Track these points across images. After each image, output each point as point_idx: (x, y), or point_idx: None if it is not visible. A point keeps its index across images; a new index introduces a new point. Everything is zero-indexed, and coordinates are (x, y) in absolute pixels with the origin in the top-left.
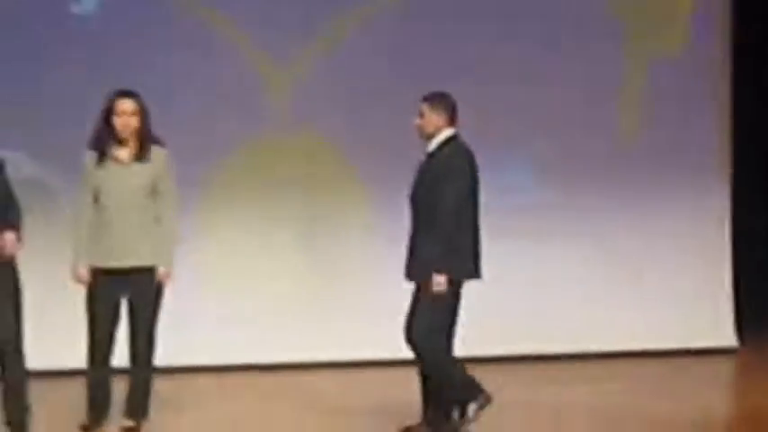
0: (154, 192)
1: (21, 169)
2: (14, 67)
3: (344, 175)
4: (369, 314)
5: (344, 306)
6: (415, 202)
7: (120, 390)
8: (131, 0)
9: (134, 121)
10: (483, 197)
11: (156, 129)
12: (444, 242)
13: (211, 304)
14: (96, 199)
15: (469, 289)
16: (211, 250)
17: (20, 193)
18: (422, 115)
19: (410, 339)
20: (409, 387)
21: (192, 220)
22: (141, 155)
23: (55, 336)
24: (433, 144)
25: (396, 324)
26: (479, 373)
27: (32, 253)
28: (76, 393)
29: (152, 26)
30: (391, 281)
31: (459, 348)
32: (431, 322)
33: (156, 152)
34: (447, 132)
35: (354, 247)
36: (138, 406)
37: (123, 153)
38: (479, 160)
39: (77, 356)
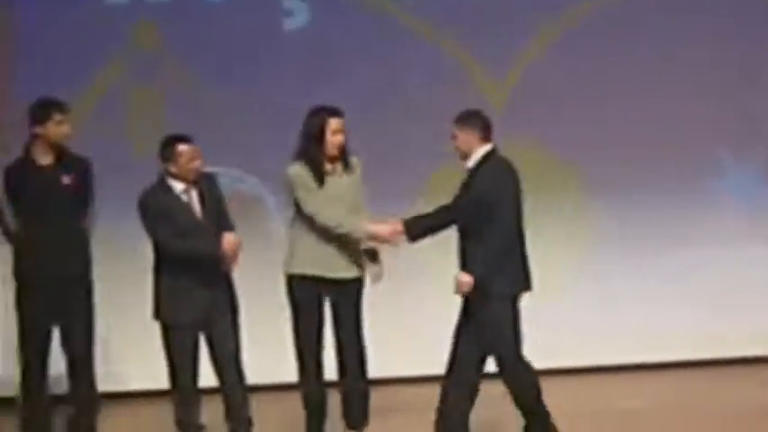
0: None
1: (236, 186)
2: (229, 86)
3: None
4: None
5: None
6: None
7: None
8: (342, 13)
9: (344, 138)
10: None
11: (364, 140)
12: (495, 257)
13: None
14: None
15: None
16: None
17: (236, 210)
18: (454, 137)
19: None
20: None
21: None
22: (347, 167)
23: (271, 350)
24: (472, 162)
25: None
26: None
27: (247, 269)
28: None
29: (363, 38)
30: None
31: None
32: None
33: (355, 162)
34: (483, 149)
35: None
36: (359, 414)
37: (333, 168)
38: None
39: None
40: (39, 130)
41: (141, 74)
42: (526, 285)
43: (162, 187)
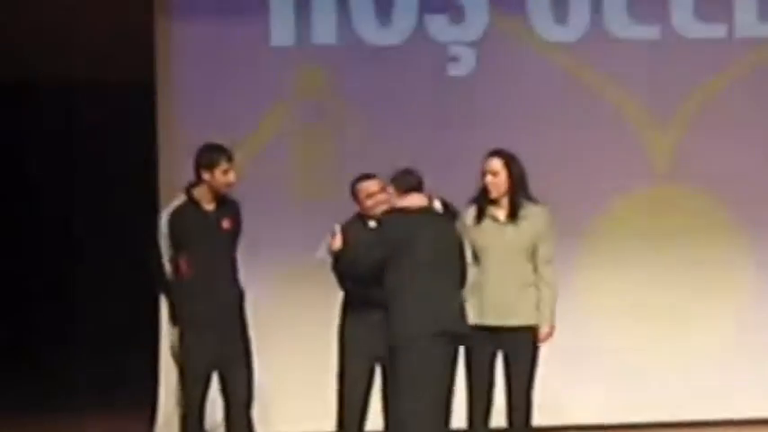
0: (533, 250)
1: None
2: (396, 130)
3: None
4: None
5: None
6: None
7: None
8: (508, 60)
9: (497, 181)
10: None
11: (538, 184)
12: None
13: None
14: (475, 257)
15: None
16: (589, 306)
17: None
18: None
19: None
20: None
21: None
22: (514, 214)
23: None
24: None
25: None
26: None
27: None
28: None
29: (526, 84)
30: None
31: None
32: None
33: (535, 211)
34: None
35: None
36: None
37: (500, 212)
38: None
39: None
40: (205, 176)
41: (307, 118)
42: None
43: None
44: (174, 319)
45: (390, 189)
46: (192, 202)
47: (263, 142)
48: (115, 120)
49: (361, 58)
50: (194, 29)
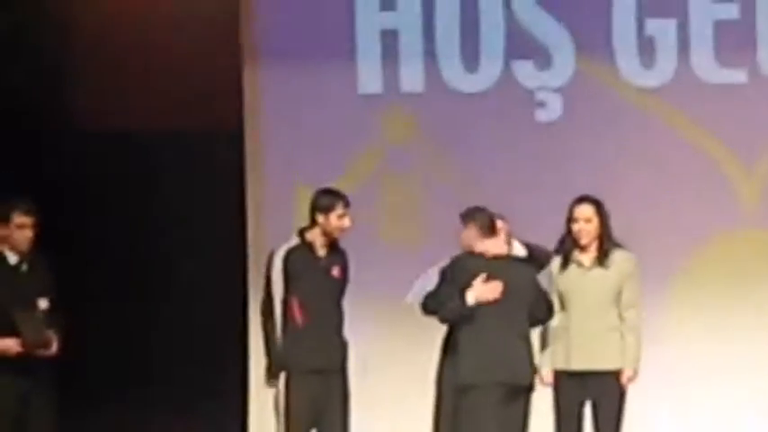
0: (618, 295)
1: None
2: (483, 176)
3: None
4: None
5: None
6: None
7: None
8: (596, 105)
9: (590, 227)
10: None
11: (625, 229)
12: None
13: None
14: (561, 304)
15: None
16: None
17: None
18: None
19: None
20: None
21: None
22: (602, 259)
23: None
24: None
25: None
26: None
27: None
28: None
29: (613, 129)
30: None
31: None
32: None
33: (621, 256)
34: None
35: None
36: None
37: (585, 258)
38: None
39: None
40: (321, 219)
41: (396, 164)
42: None
43: None
44: (273, 369)
45: (472, 229)
46: (305, 245)
47: (350, 189)
48: (203, 169)
49: (449, 104)
50: (282, 76)
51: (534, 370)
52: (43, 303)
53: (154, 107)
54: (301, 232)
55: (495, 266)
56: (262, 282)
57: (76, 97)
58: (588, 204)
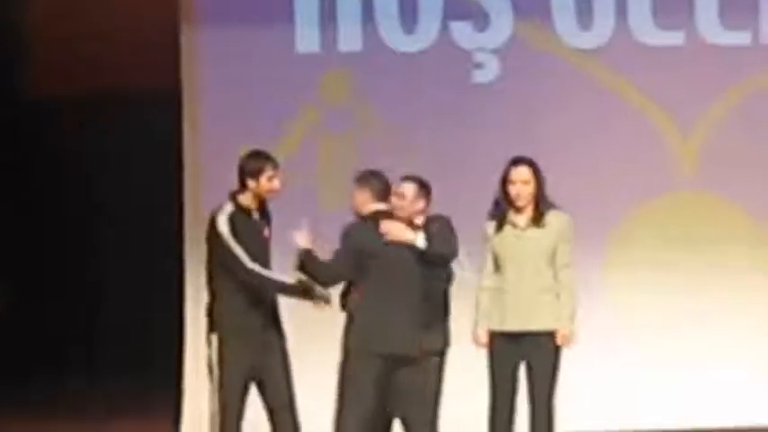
0: (553, 256)
1: None
2: (420, 137)
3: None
4: None
5: None
6: None
7: None
8: (533, 65)
9: (528, 189)
10: None
11: (563, 192)
12: None
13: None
14: (496, 265)
15: None
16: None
17: None
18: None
19: None
20: None
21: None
22: (538, 220)
23: None
24: None
25: None
26: None
27: None
28: None
29: (550, 90)
30: None
31: None
32: None
33: (556, 216)
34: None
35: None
36: None
37: (521, 219)
38: None
39: None
40: (251, 183)
41: (332, 124)
42: None
43: None
44: (213, 326)
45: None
46: (243, 210)
47: (291, 147)
48: (140, 130)
49: (387, 63)
50: (220, 35)
51: (420, 340)
52: None
53: (86, 70)
54: (234, 196)
55: (387, 251)
56: (199, 245)
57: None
58: (525, 166)
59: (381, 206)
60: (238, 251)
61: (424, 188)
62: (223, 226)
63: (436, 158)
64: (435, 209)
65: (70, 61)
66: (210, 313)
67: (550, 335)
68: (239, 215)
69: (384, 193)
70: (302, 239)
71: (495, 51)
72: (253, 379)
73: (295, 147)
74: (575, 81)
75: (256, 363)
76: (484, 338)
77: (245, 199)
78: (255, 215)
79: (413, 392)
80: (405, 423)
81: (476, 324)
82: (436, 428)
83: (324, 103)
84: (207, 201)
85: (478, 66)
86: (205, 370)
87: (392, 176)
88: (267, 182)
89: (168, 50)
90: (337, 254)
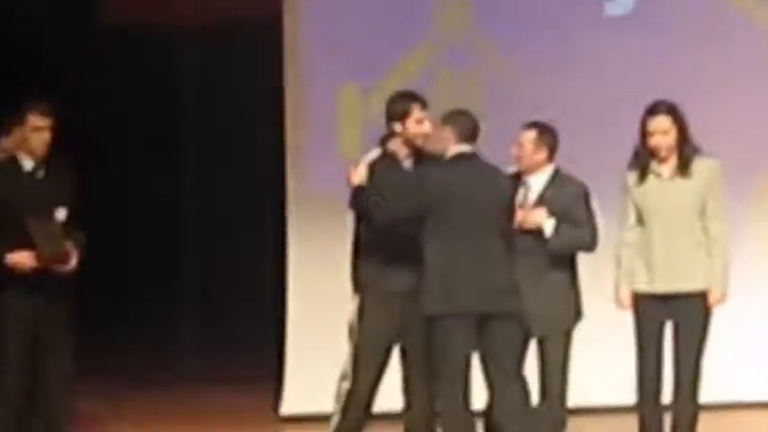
0: (703, 208)
1: None
2: (548, 75)
3: None
4: None
5: None
6: None
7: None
8: None
9: (668, 139)
10: None
11: (703, 136)
12: None
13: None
14: (639, 219)
15: None
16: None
17: None
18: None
19: None
20: None
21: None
22: (683, 169)
23: None
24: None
25: None
26: None
27: None
28: None
29: (691, 25)
30: None
31: None
32: None
33: (703, 163)
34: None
35: None
36: None
37: (665, 168)
38: None
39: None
40: (397, 127)
41: (449, 62)
42: None
43: None
44: (357, 285)
45: (446, 130)
46: (388, 156)
47: (403, 84)
48: (233, 66)
49: None
50: None
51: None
52: (61, 213)
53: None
54: (383, 141)
55: (467, 176)
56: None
57: None
58: (663, 115)
59: (465, 148)
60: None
61: (548, 135)
62: (362, 170)
63: (564, 102)
64: (566, 160)
65: None
66: (355, 271)
67: (702, 295)
68: (384, 161)
69: (471, 133)
70: (356, 177)
71: None
72: (394, 343)
73: (407, 86)
74: (719, 13)
75: (400, 327)
76: (627, 301)
77: (394, 144)
78: (407, 163)
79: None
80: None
81: (617, 284)
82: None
83: (440, 38)
84: (310, 145)
85: None
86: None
87: (513, 120)
88: (416, 125)
89: None
90: (405, 193)
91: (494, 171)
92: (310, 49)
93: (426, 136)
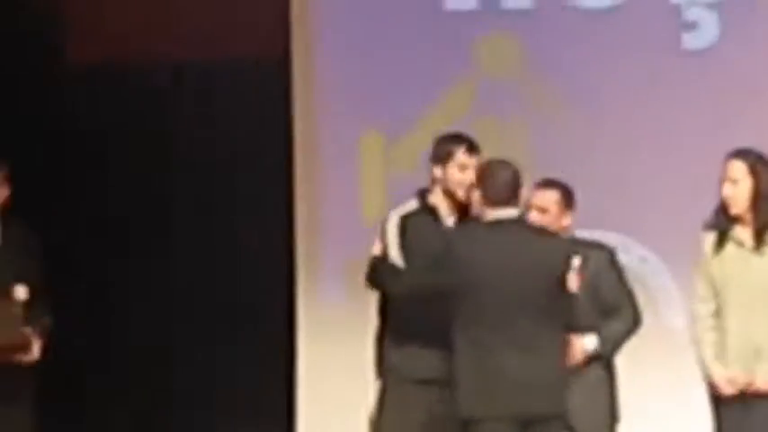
0: None
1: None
2: (609, 120)
3: None
4: None
5: None
6: None
7: None
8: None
9: (741, 191)
10: None
11: None
12: None
13: None
14: (716, 293)
15: None
16: None
17: None
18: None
19: None
20: None
21: None
22: (761, 236)
23: None
24: None
25: None
26: None
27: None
28: None
29: None
30: None
31: None
32: None
33: None
34: None
35: None
36: None
37: (745, 234)
38: None
39: None
40: (438, 172)
41: (496, 101)
42: None
43: None
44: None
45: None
46: (427, 209)
47: (439, 129)
48: (236, 112)
49: (566, 24)
50: None
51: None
52: (21, 291)
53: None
54: (422, 194)
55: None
56: (312, 248)
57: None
58: (739, 161)
59: (502, 213)
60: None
61: (570, 194)
62: (391, 227)
63: (631, 149)
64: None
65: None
66: (379, 354)
67: None
68: (422, 215)
69: (507, 193)
70: (375, 246)
71: (711, 6)
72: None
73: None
74: None
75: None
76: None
77: (435, 197)
78: (449, 220)
79: None
80: None
81: (707, 370)
82: None
83: (482, 77)
84: (324, 204)
85: (690, 26)
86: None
87: (568, 175)
88: (459, 171)
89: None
90: (436, 259)
91: (541, 237)
92: (325, 92)
93: (472, 187)
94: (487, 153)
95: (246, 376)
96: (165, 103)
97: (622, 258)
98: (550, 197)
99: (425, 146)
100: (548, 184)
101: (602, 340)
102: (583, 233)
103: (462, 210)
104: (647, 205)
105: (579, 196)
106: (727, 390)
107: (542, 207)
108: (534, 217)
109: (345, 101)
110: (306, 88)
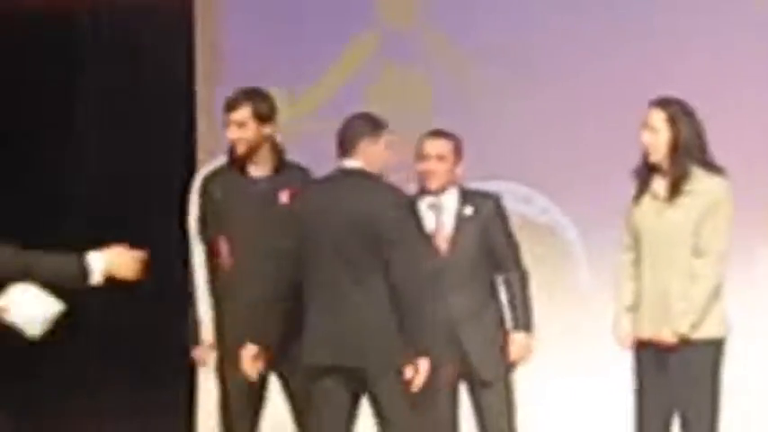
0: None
1: (521, 209)
2: (506, 68)
3: None
4: None
5: None
6: None
7: None
8: None
9: (659, 139)
10: None
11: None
12: None
13: None
14: (635, 246)
15: None
16: None
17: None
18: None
19: None
20: None
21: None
22: (676, 187)
23: None
24: None
25: None
26: None
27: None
28: None
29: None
30: None
31: None
32: None
33: (705, 183)
34: None
35: None
36: None
37: (661, 185)
38: None
39: None
40: (267, 129)
41: (396, 52)
42: None
43: None
44: None
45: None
46: (238, 166)
47: (337, 87)
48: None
49: None
50: None
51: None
52: None
53: None
54: (230, 151)
55: (339, 193)
56: None
57: None
58: (659, 110)
59: (351, 163)
60: None
61: (460, 147)
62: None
63: (529, 98)
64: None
65: None
66: None
67: (712, 344)
68: (232, 176)
69: (343, 143)
70: None
71: None
72: None
73: (345, 82)
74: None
75: None
76: (629, 340)
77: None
78: (262, 171)
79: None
80: None
81: (617, 316)
82: None
83: (380, 28)
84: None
85: None
86: None
87: (469, 132)
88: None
89: None
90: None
91: (369, 188)
92: (227, 46)
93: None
94: (392, 103)
95: None
96: None
97: (525, 209)
98: (446, 146)
99: (329, 96)
100: (439, 134)
101: (520, 317)
102: (489, 185)
103: (277, 163)
104: (551, 157)
105: (480, 147)
106: (622, 344)
107: (441, 155)
108: (432, 165)
109: (248, 57)
110: (207, 45)
